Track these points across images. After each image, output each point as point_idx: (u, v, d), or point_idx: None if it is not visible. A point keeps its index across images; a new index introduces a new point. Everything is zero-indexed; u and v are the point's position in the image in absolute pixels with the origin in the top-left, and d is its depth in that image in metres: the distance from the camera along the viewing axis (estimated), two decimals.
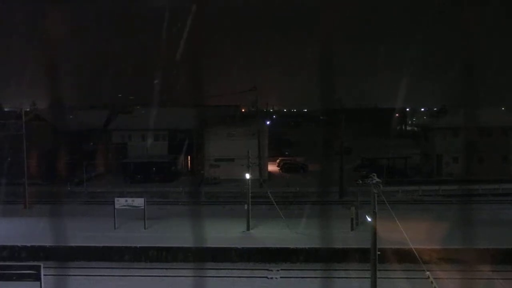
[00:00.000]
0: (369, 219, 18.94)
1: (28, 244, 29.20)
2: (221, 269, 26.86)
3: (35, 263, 24.55)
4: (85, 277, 25.77)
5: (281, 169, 61.22)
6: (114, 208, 32.61)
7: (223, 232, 31.10)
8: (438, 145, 53.16)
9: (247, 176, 33.18)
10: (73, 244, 28.69)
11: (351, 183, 41.25)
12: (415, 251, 20.38)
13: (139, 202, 32.72)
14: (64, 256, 28.37)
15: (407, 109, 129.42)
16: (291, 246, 28.58)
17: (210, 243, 28.48)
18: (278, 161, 64.16)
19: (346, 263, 27.32)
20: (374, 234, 18.00)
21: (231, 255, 28.36)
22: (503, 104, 71.90)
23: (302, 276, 25.95)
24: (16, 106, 65.51)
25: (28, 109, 56.35)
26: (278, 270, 26.92)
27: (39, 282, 21.09)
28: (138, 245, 28.96)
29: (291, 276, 26.08)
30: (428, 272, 19.09)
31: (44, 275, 21.52)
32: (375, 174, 18.04)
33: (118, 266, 27.78)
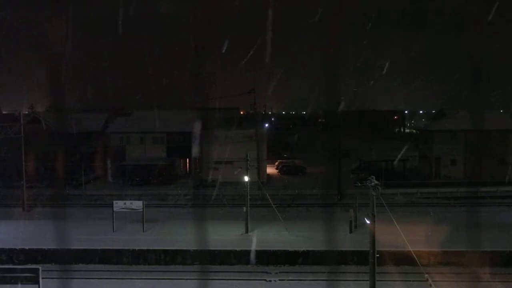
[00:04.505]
0: (367, 222, 18.97)
1: (27, 247, 29.15)
2: (219, 271, 26.85)
3: (34, 266, 24.52)
4: (83, 280, 25.73)
5: (279, 171, 61.24)
6: (113, 210, 32.58)
7: (222, 235, 31.09)
8: (436, 147, 53.25)
9: (246, 178, 33.20)
10: (71, 247, 28.66)
11: (349, 185, 41.33)
12: (413, 254, 20.38)
13: (137, 204, 32.69)
14: (63, 259, 28.34)
15: (406, 112, 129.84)
16: (290, 248, 28.58)
17: (209, 246, 28.48)
18: (276, 163, 64.18)
19: (345, 266, 27.35)
20: (373, 236, 18.02)
21: (229, 258, 28.36)
22: (502, 106, 72.14)
23: (301, 278, 25.94)
24: (14, 109, 65.54)
25: (26, 112, 56.23)
26: (276, 273, 26.92)
27: (37, 285, 21.07)
28: (137, 248, 28.93)
29: (289, 278, 26.07)
30: (427, 275, 19.11)
31: (43, 278, 21.51)
32: (373, 177, 18.08)
33: (117, 269, 27.76)
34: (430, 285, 18.77)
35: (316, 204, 42.45)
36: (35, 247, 29.14)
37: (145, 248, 28.97)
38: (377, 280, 18.68)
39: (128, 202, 33.41)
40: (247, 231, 32.13)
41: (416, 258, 20.16)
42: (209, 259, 28.21)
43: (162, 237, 31.07)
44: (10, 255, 29.01)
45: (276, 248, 28.66)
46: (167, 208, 41.69)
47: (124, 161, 55.10)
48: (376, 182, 17.72)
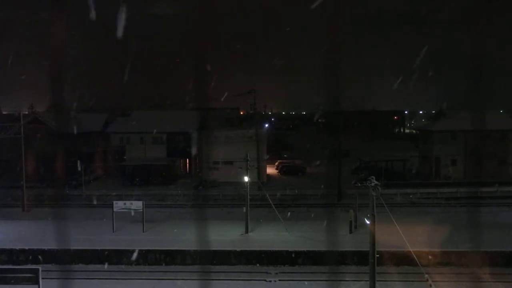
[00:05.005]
0: (367, 222, 18.96)
1: (26, 247, 29.14)
2: (219, 272, 26.83)
3: (34, 266, 24.50)
4: (83, 280, 25.71)
5: (279, 171, 61.25)
6: (113, 211, 32.58)
7: (222, 235, 31.07)
8: (436, 147, 53.26)
9: (246, 178, 33.19)
10: (71, 247, 28.64)
11: (349, 185, 41.32)
12: (413, 254, 20.38)
13: (137, 205, 32.68)
14: (63, 259, 28.32)
15: (406, 112, 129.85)
16: (290, 248, 28.57)
17: (209, 246, 28.45)
18: (276, 163, 64.19)
19: (345, 266, 27.34)
20: (373, 237, 18.01)
21: (229, 258, 28.35)
22: (502, 107, 72.16)
23: (301, 279, 25.93)
24: (14, 109, 65.51)
25: (26, 112, 56.25)
26: (276, 273, 26.91)
27: (37, 285, 21.06)
28: (137, 248, 28.91)
29: (289, 279, 26.06)
30: (427, 275, 19.12)
31: (42, 278, 21.49)
32: (373, 177, 18.06)
33: (117, 269, 27.74)
34: (430, 285, 18.78)
35: (316, 205, 42.43)
36: (35, 247, 29.13)
37: (145, 248, 28.96)
38: (377, 280, 18.66)
39: (128, 203, 33.40)
40: (247, 231, 32.14)
41: (416, 258, 20.15)
42: (209, 260, 28.19)
43: (162, 238, 31.06)
44: (10, 255, 29.01)
45: (276, 248, 28.65)
46: (167, 208, 41.67)
47: (124, 161, 55.08)
48: (376, 182, 17.70)
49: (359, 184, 19.13)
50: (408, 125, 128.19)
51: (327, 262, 27.55)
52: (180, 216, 37.81)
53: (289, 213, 36.46)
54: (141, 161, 54.04)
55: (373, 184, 17.61)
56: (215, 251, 28.33)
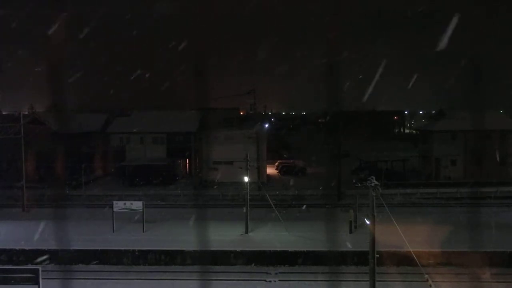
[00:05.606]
0: (367, 222, 18.97)
1: (26, 248, 29.14)
2: (219, 272, 26.83)
3: (34, 266, 24.50)
4: (83, 280, 25.72)
5: (279, 172, 61.21)
6: (113, 211, 32.57)
7: (222, 235, 31.07)
8: (436, 148, 53.21)
9: (246, 179, 33.19)
10: (71, 248, 28.64)
11: (349, 185, 41.33)
12: (413, 254, 20.38)
13: (137, 205, 32.69)
14: (63, 259, 28.33)
15: (406, 112, 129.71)
16: (290, 249, 28.57)
17: (209, 246, 28.45)
18: (276, 164, 64.15)
19: (345, 266, 27.34)
20: (373, 237, 18.01)
21: (229, 258, 28.35)
22: (502, 107, 72.19)
23: (301, 279, 25.94)
24: (14, 109, 65.58)
25: (26, 112, 56.21)
26: (276, 273, 26.91)
27: (37, 286, 21.06)
28: (137, 248, 28.92)
29: (289, 279, 26.06)
30: (427, 275, 19.11)
31: (42, 278, 21.49)
32: (373, 177, 18.07)
33: (117, 269, 27.74)
34: (430, 285, 18.77)
35: (316, 205, 42.42)
36: (35, 247, 29.13)
37: (145, 248, 28.96)
38: (377, 281, 18.67)
39: (128, 203, 33.41)
40: (247, 232, 32.14)
41: (416, 258, 20.15)
42: (209, 260, 28.18)
43: (162, 238, 31.06)
44: (10, 255, 29.01)
45: (276, 249, 28.64)
46: (167, 208, 41.66)
47: (124, 161, 55.07)
48: (376, 182, 17.71)
49: (359, 184, 19.13)
50: (408, 125, 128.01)
51: (327, 262, 27.55)
52: (180, 216, 37.76)
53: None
54: (141, 161, 54.02)
55: (373, 184, 17.62)
56: (215, 251, 28.33)
